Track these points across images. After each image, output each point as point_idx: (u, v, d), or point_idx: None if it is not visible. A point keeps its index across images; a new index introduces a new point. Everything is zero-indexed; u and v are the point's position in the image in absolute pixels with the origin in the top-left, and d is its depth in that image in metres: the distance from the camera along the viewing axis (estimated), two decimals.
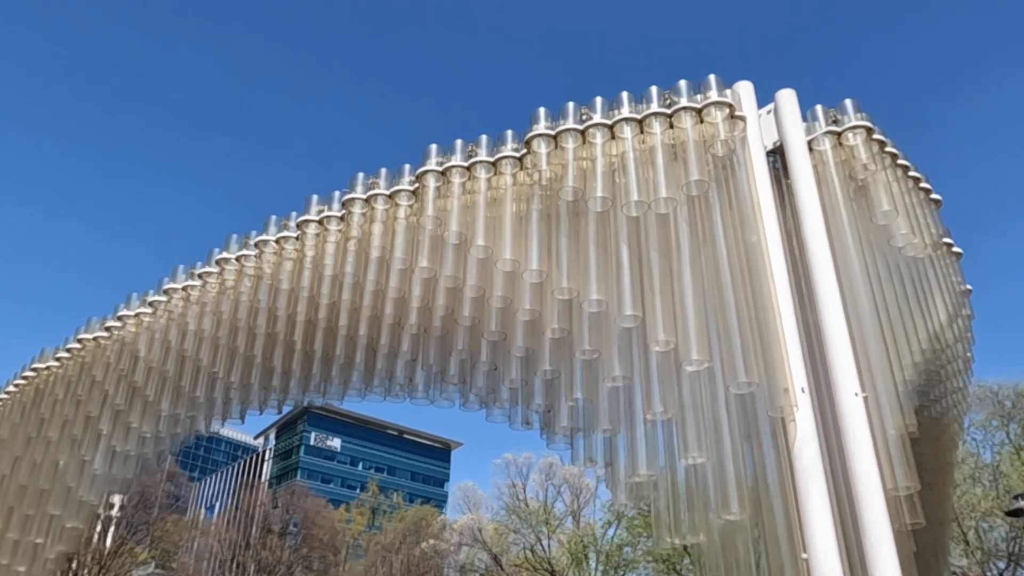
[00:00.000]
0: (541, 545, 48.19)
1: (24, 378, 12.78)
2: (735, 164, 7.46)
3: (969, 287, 10.39)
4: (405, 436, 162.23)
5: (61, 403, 11.83)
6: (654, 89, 7.74)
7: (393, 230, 8.43)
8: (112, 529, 61.05)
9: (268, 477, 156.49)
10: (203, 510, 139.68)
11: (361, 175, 8.92)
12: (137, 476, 11.95)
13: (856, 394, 6.59)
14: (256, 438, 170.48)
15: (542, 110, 8.03)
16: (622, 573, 46.25)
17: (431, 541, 53.02)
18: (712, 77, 7.66)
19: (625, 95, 7.84)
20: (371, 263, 8.54)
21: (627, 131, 7.63)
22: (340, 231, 8.88)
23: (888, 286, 7.61)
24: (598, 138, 7.69)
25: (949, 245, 9.57)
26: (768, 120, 8.14)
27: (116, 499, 60.92)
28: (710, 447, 6.55)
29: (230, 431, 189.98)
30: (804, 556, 6.01)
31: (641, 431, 7.07)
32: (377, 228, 8.52)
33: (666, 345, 6.83)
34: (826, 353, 6.82)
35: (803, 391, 6.49)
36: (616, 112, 7.72)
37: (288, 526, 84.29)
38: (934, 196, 8.81)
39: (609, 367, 7.14)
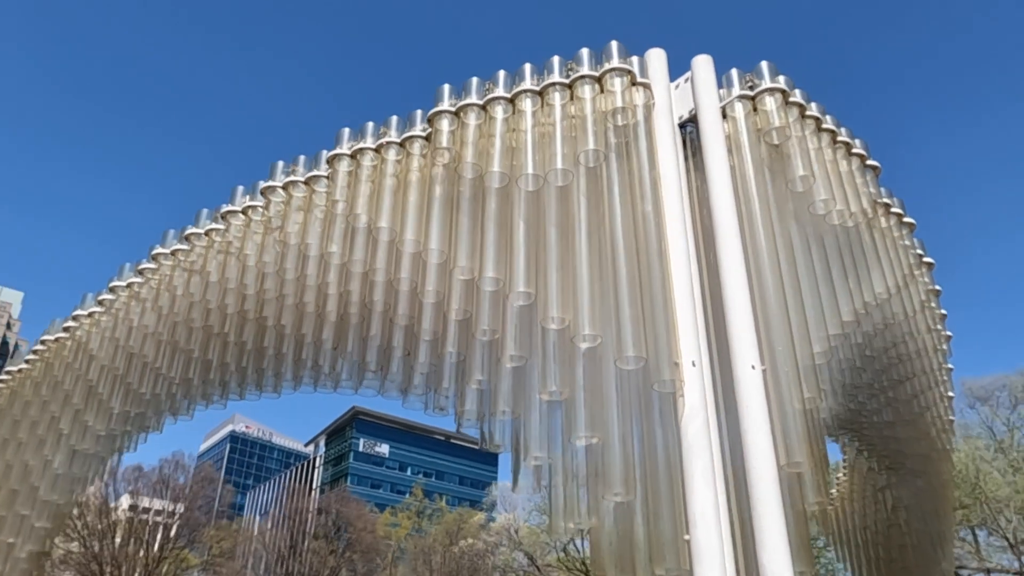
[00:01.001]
0: (574, 545, 47.67)
1: (1, 382, 12.99)
2: (639, 134, 7.14)
3: (930, 260, 9.90)
4: (452, 441, 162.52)
5: (29, 405, 11.97)
6: (556, 60, 7.48)
7: (307, 217, 8.30)
8: (159, 535, 62.14)
9: (319, 483, 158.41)
10: (256, 516, 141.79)
11: (281, 163, 8.81)
12: (98, 477, 12.00)
13: (753, 367, 6.23)
14: (307, 445, 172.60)
15: (446, 87, 7.83)
16: None
17: (468, 540, 52.85)
18: (614, 44, 7.37)
19: (528, 67, 7.58)
20: (289, 251, 8.43)
21: (528, 104, 7.39)
22: (262, 220, 8.78)
23: (805, 256, 7.22)
24: (499, 113, 7.46)
25: (900, 215, 9.10)
26: (687, 89, 7.81)
27: (159, 503, 62.01)
28: (602, 427, 6.26)
29: (282, 439, 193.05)
30: (686, 537, 5.69)
31: (537, 413, 6.81)
32: (293, 216, 8.40)
33: (560, 323, 6.56)
34: (727, 325, 6.48)
35: (693, 364, 6.16)
36: (519, 85, 7.49)
37: (336, 530, 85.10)
38: (871, 163, 8.36)
39: (505, 347, 6.89)
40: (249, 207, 8.89)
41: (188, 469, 68.38)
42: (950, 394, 12.98)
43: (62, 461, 11.43)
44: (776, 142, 7.37)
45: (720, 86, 7.64)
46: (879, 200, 8.81)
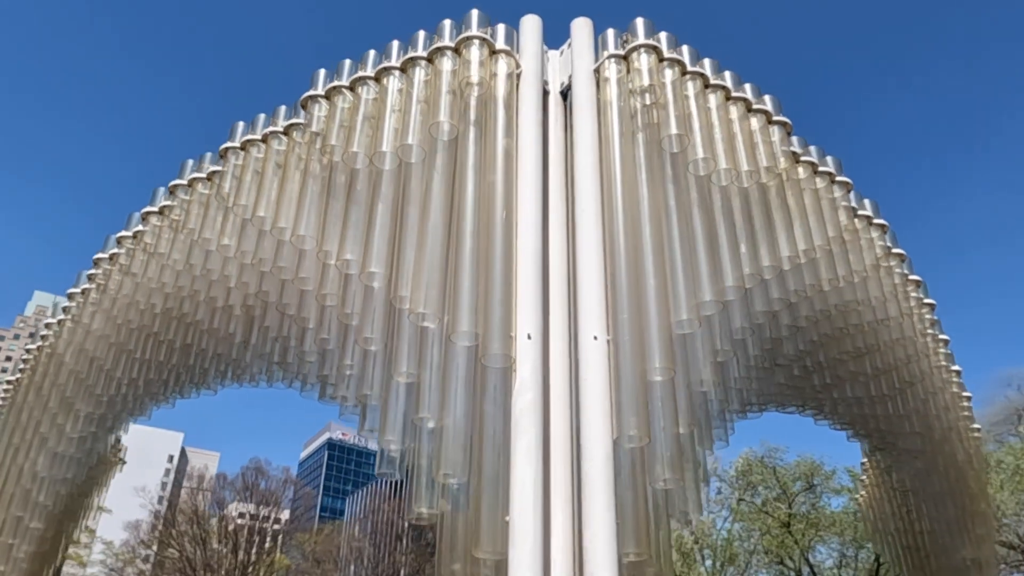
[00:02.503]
0: None
1: (5, 391, 13.65)
2: (498, 104, 6.86)
3: (884, 222, 9.21)
4: None
5: (21, 410, 12.51)
6: (421, 34, 7.29)
7: (207, 212, 8.35)
8: (245, 538, 64.55)
9: None
10: (355, 520, 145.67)
11: (191, 161, 8.91)
12: (80, 478, 12.41)
13: (595, 337, 5.88)
14: None
15: (321, 72, 7.75)
16: (739, 569, 44.18)
17: None
18: (474, 13, 7.13)
19: (395, 44, 7.42)
20: (196, 247, 8.49)
21: (392, 82, 7.22)
22: (176, 217, 8.89)
23: (682, 220, 6.75)
24: (365, 93, 7.32)
25: (831, 175, 8.48)
26: (570, 56, 7.49)
27: (246, 508, 64.30)
28: (446, 407, 6.01)
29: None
30: (507, 519, 5.38)
31: (394, 395, 6.60)
32: (196, 211, 8.46)
33: (408, 302, 6.34)
34: (577, 295, 6.14)
35: (529, 337, 5.85)
36: (385, 63, 7.33)
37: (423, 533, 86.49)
38: (778, 119, 7.81)
39: (362, 330, 6.73)
40: (165, 207, 9.00)
41: (268, 474, 70.60)
42: (954, 368, 12.09)
43: (44, 463, 11.87)
44: (648, 102, 6.95)
45: (599, 49, 7.30)
46: (803, 159, 8.24)
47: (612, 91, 6.99)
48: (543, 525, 5.24)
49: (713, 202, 7.09)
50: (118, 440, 16.29)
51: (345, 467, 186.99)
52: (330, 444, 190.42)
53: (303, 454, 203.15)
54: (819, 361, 9.00)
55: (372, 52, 7.50)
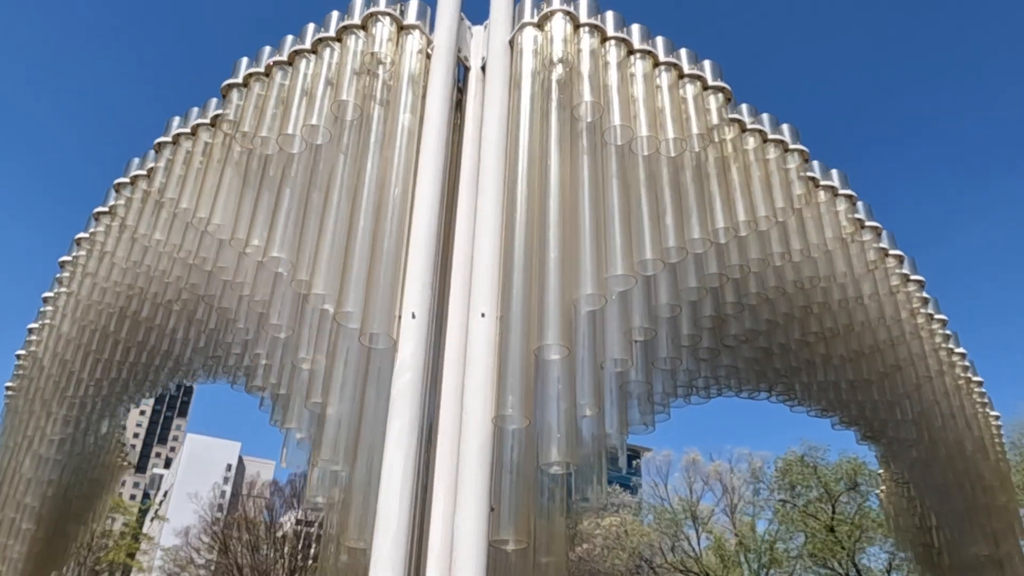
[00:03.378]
0: (690, 544, 45.84)
1: (7, 396, 13.92)
2: (404, 81, 6.63)
3: (851, 192, 8.70)
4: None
5: (14, 415, 12.72)
6: (334, 15, 7.11)
7: (144, 208, 8.31)
8: (303, 546, 65.10)
9: None
10: None
11: (136, 160, 8.89)
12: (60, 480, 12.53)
13: (483, 315, 5.60)
14: None
15: (244, 60, 7.62)
16: (784, 573, 42.82)
17: (584, 546, 52.03)
18: None
19: (311, 27, 7.26)
20: (135, 244, 8.46)
21: (303, 64, 7.05)
22: (121, 216, 8.87)
23: (599, 193, 6.40)
24: (279, 77, 7.17)
25: (784, 144, 8.02)
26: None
27: (300, 515, 65.02)
28: (332, 392, 5.79)
29: None
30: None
31: (298, 383, 6.41)
32: (136, 208, 8.43)
33: (307, 286, 6.15)
34: (472, 272, 5.87)
35: (413, 316, 5.59)
36: (298, 45, 7.17)
37: None
38: (716, 85, 7.41)
39: (270, 317, 6.55)
40: (113, 206, 9.00)
41: None
42: (958, 350, 11.42)
43: (28, 466, 12.02)
44: (564, 71, 6.64)
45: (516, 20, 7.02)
46: (752, 127, 7.81)
47: (526, 61, 6.69)
48: (411, 513, 4.96)
49: (638, 174, 6.72)
50: (122, 444, 16.50)
51: None
52: None
53: None
54: (780, 342, 8.50)
55: (290, 37, 7.34)
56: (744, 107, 8.01)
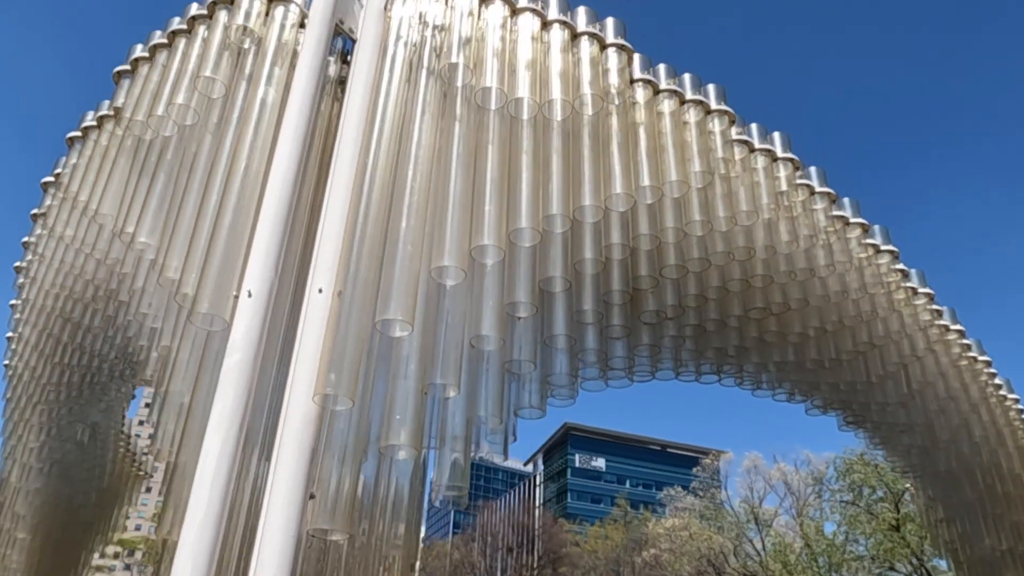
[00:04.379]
0: (753, 547, 44.37)
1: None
2: (268, 55, 6.36)
3: (794, 156, 8.06)
4: (669, 450, 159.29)
5: (7, 423, 12.94)
6: None
7: (61, 206, 8.26)
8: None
9: (542, 501, 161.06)
10: (487, 536, 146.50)
11: (63, 159, 8.86)
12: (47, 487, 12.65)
13: (320, 290, 5.26)
14: (526, 464, 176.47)
15: (138, 46, 7.48)
16: (846, 573, 40.96)
17: (651, 550, 51.02)
18: None
19: (193, 6, 7.06)
20: (60, 246, 8.43)
21: (182, 45, 6.87)
22: (50, 218, 8.86)
23: (470, 161, 6.00)
24: (161, 60, 7.01)
25: (705, 105, 7.47)
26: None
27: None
28: (172, 379, 5.55)
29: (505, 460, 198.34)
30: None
31: (168, 371, 6.17)
32: (52, 202, 8.39)
33: (161, 270, 5.93)
34: (318, 248, 5.54)
35: (250, 295, 5.28)
36: (178, 24, 7.00)
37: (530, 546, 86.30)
38: (616, 42, 6.92)
39: (140, 305, 6.36)
40: (48, 207, 9.00)
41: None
42: (955, 327, 10.55)
43: (16, 475, 12.18)
44: (436, 34, 6.27)
45: None
46: (667, 87, 7.29)
47: (398, 27, 6.35)
48: (223, 500, 4.64)
49: (521, 140, 6.29)
50: (132, 453, 16.69)
51: (475, 483, 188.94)
52: None
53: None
54: (715, 319, 7.87)
55: (176, 18, 7.17)
56: (662, 68, 7.48)
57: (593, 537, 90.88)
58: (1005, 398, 11.79)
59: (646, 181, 6.61)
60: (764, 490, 46.89)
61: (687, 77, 7.54)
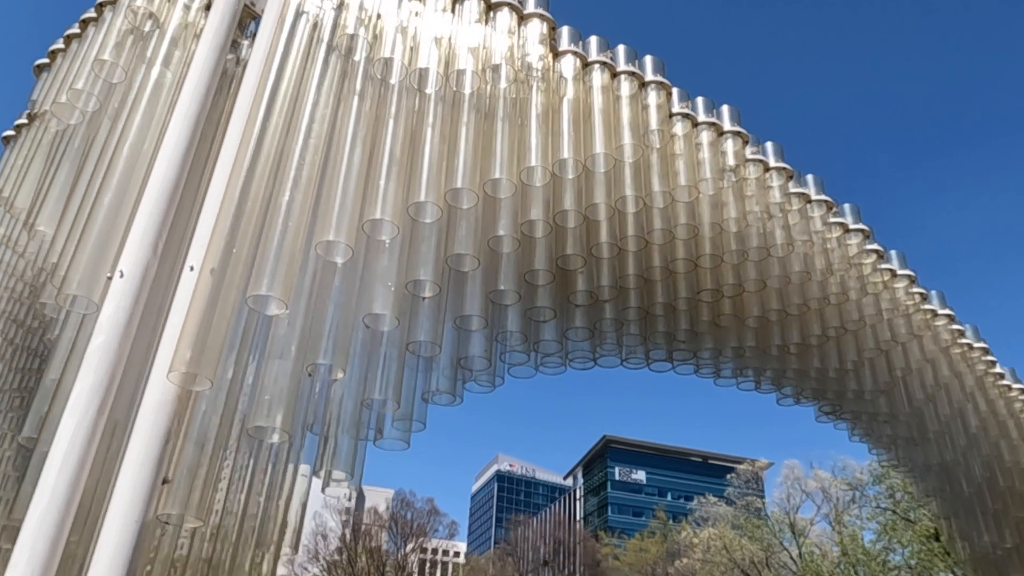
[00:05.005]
0: (790, 556, 43.15)
1: None
2: (166, 37, 6.20)
3: (742, 130, 7.68)
4: (710, 461, 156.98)
5: None
6: None
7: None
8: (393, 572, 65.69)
9: (583, 515, 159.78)
10: (529, 550, 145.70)
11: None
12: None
13: (191, 268, 5.03)
14: (565, 478, 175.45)
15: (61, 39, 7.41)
16: None
17: (684, 560, 50.03)
18: None
19: None
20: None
21: (92, 30, 6.77)
22: None
23: (368, 134, 5.75)
24: (74, 48, 6.92)
25: (639, 77, 7.13)
26: None
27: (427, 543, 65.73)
28: (53, 367, 5.37)
29: (545, 474, 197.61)
30: None
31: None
32: None
33: (57, 256, 5.77)
34: (197, 226, 5.32)
35: (122, 275, 5.07)
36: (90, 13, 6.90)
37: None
38: (536, 12, 6.65)
39: (40, 296, 6.21)
40: None
41: (413, 506, 71.98)
42: (944, 311, 10.01)
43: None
44: (340, 10, 6.06)
45: None
46: (596, 60, 6.99)
47: (299, 2, 6.14)
48: (71, 485, 4.40)
49: (427, 115, 6.02)
50: None
51: (515, 497, 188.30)
52: (499, 476, 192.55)
53: (474, 487, 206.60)
54: (662, 301, 7.46)
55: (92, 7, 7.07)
56: (593, 40, 7.18)
57: (632, 550, 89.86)
58: (1010, 388, 11.17)
59: (566, 154, 6.30)
60: (800, 498, 45.74)
61: (621, 49, 7.23)
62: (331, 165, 5.53)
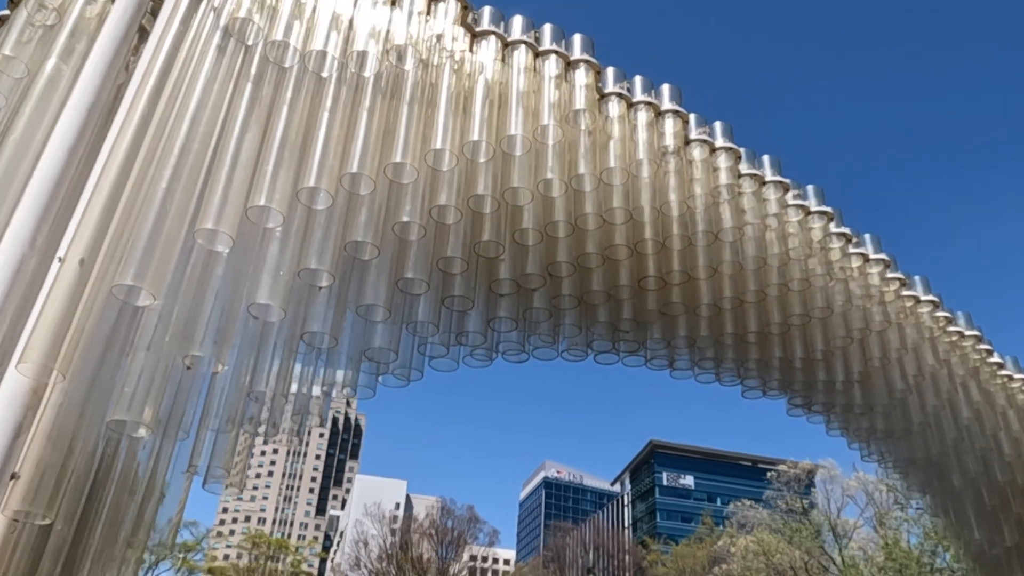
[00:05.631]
0: (831, 559, 41.89)
1: None
2: (65, 26, 6.12)
3: (680, 108, 7.37)
4: (759, 465, 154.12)
5: None
6: None
7: None
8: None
9: (631, 521, 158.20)
10: (576, 557, 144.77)
11: None
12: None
13: (60, 259, 4.91)
14: (612, 484, 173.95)
15: None
16: None
17: (723, 567, 48.98)
18: None
19: None
20: None
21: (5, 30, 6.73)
22: None
23: (258, 120, 5.59)
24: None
25: (564, 57, 6.87)
26: None
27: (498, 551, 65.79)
28: None
29: (592, 480, 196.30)
30: None
31: None
32: None
33: None
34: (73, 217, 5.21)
35: None
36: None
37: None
38: None
39: None
40: None
41: (454, 513, 71.99)
42: (927, 298, 9.53)
43: None
44: None
45: None
46: (514, 41, 6.76)
47: None
48: None
49: (323, 99, 5.84)
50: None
51: (563, 504, 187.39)
52: (546, 483, 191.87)
53: (522, 494, 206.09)
54: (598, 290, 7.13)
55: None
56: (517, 20, 6.95)
57: (678, 556, 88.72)
58: (1011, 377, 10.59)
59: (477, 136, 6.06)
60: (842, 500, 44.47)
61: (547, 28, 6.97)
62: (219, 152, 5.38)
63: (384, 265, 5.89)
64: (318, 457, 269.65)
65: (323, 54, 5.81)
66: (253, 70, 5.76)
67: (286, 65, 5.76)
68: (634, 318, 7.50)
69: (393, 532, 76.09)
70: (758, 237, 7.67)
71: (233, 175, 5.28)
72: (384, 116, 5.93)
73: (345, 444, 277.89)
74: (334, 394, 5.87)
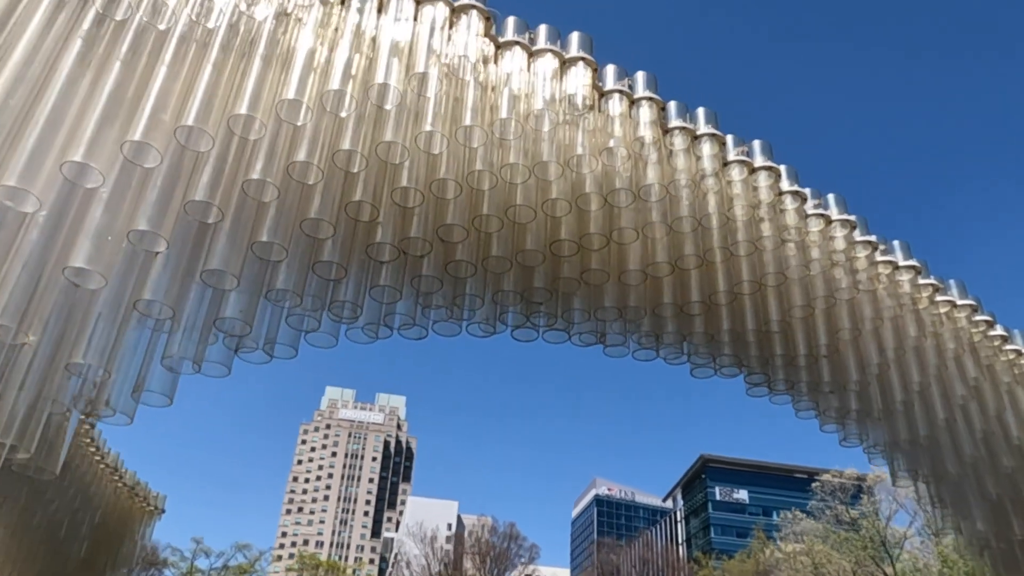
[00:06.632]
0: (880, 568, 39.83)
1: None
2: None
3: (588, 56, 6.75)
4: (815, 478, 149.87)
5: None
6: None
7: None
8: None
9: (684, 537, 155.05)
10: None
11: None
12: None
13: None
14: (664, 500, 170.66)
15: None
16: None
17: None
18: None
19: None
20: None
21: None
22: None
23: (87, 75, 5.13)
24: None
25: (474, 15, 6.30)
26: None
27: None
28: None
29: (644, 497, 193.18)
30: None
31: None
32: None
33: None
34: None
35: None
36: None
37: None
38: None
39: None
40: None
41: (496, 531, 71.23)
42: (927, 280, 8.72)
43: None
44: None
45: None
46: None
47: None
48: None
49: (164, 54, 5.36)
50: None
51: (616, 522, 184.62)
52: (598, 500, 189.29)
53: (574, 512, 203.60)
54: (499, 256, 6.44)
55: None
56: None
57: (728, 571, 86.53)
58: (1021, 353, 9.63)
59: (336, 84, 5.52)
60: (892, 508, 42.45)
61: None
62: (39, 109, 4.92)
63: (238, 229, 5.35)
64: (371, 480, 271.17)
65: (162, 5, 5.32)
66: (85, 24, 5.30)
67: (117, 18, 5.28)
68: (546, 287, 6.81)
69: (435, 552, 75.37)
70: (688, 199, 6.99)
71: (49, 132, 4.81)
72: (234, 72, 5.43)
73: (398, 467, 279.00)
74: (182, 370, 5.32)
